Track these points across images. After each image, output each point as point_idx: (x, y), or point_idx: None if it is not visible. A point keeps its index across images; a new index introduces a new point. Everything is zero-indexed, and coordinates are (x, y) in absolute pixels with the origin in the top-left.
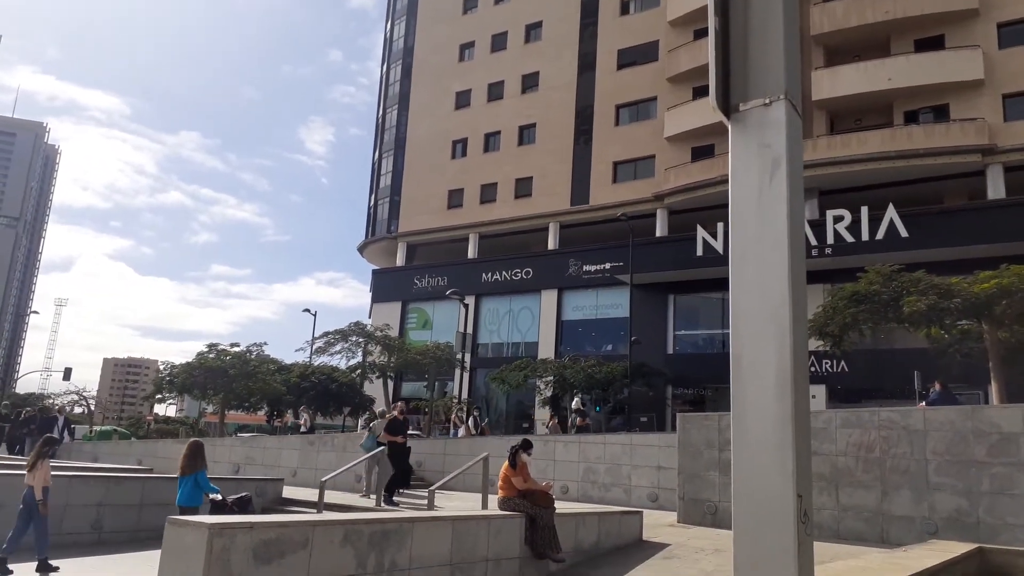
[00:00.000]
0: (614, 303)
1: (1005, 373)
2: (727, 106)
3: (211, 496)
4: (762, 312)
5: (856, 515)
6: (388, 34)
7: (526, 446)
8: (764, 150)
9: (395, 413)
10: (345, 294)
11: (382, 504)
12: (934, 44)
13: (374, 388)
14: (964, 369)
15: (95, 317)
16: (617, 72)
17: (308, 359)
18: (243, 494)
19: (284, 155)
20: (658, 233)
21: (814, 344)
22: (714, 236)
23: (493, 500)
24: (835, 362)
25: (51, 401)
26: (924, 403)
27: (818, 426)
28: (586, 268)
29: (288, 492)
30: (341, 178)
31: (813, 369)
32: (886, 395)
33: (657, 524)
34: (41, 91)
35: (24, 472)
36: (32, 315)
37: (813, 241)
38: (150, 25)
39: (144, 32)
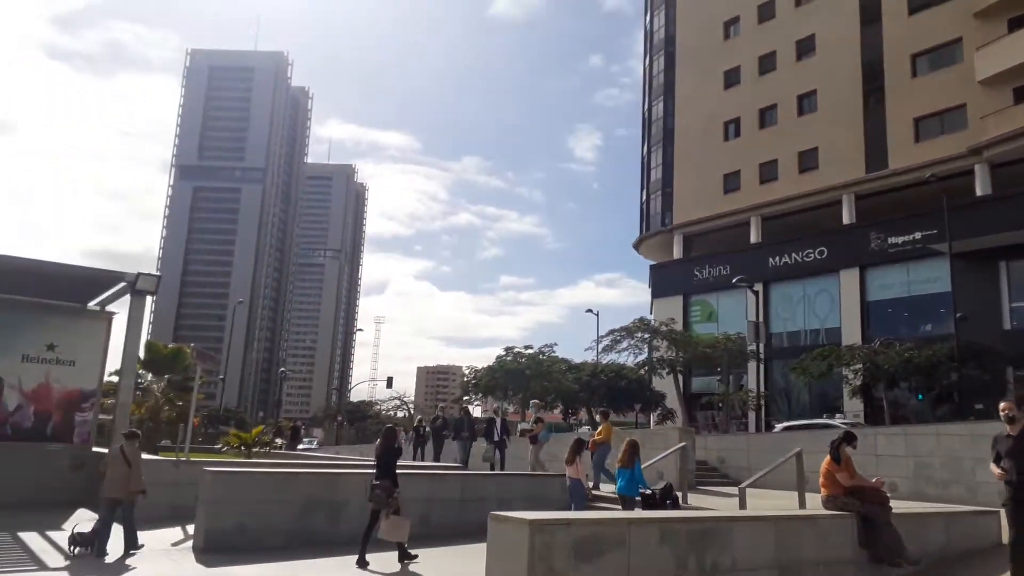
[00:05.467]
0: (930, 277)
1: None
2: None
3: (641, 489)
4: None
5: None
6: (648, 27)
7: (849, 439)
8: None
9: None
10: (623, 293)
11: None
12: None
13: (663, 384)
14: None
15: (408, 331)
16: (909, 18)
17: (596, 358)
18: (664, 483)
19: (556, 166)
20: (979, 192)
21: None
22: None
23: (811, 499)
24: None
25: (442, 407)
26: None
27: None
28: (891, 241)
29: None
30: (610, 180)
31: None
32: None
33: None
34: (347, 138)
35: None
36: (358, 332)
37: None
38: (425, 63)
39: (421, 71)
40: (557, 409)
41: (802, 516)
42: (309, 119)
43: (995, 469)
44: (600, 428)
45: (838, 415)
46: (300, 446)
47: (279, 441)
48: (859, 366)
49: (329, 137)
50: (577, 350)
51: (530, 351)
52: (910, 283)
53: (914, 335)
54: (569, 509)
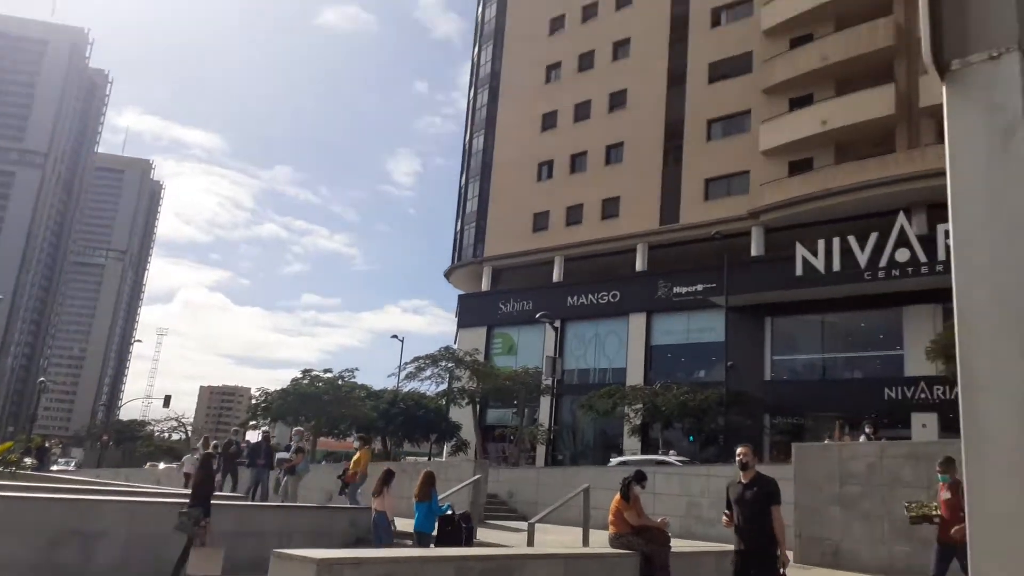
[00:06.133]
0: (707, 327)
1: None
2: (940, 64)
3: (439, 515)
4: (994, 314)
5: None
6: (475, 59)
7: (639, 478)
8: (994, 114)
9: None
10: (429, 321)
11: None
12: None
13: (461, 414)
14: None
15: (194, 346)
16: (709, 86)
17: (397, 385)
18: (464, 511)
19: (373, 186)
20: (753, 252)
21: (934, 369)
22: (814, 254)
23: (595, 535)
24: (947, 389)
25: (235, 430)
26: None
27: None
28: (676, 290)
29: None
30: (426, 208)
31: (923, 396)
32: None
33: None
34: (147, 130)
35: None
36: (136, 344)
37: (922, 257)
38: (243, 64)
39: (238, 71)
40: (351, 437)
41: (591, 554)
42: (105, 105)
43: (724, 518)
44: (357, 455)
45: (671, 452)
46: (55, 467)
47: (28, 461)
48: (640, 406)
49: (127, 128)
50: (379, 376)
51: (329, 375)
52: (689, 331)
53: (690, 379)
54: (373, 545)
